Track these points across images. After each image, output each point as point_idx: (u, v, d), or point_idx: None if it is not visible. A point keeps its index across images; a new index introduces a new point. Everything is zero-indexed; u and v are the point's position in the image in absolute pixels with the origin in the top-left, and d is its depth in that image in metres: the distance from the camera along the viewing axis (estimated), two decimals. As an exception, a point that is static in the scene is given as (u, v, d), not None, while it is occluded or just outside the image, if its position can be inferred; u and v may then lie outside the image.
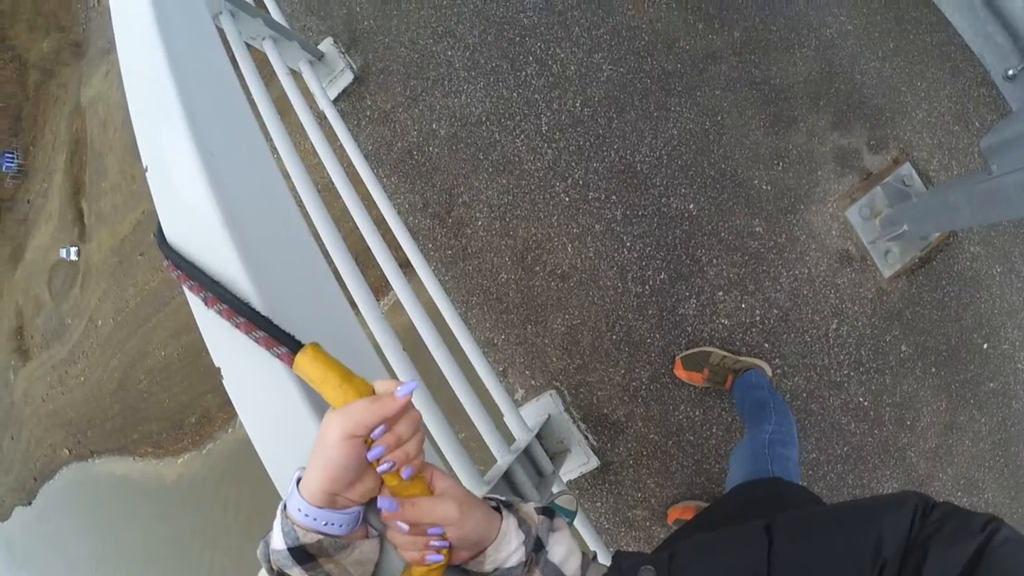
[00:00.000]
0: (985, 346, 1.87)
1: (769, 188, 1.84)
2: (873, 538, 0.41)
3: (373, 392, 0.47)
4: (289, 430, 0.56)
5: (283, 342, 0.52)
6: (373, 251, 1.46)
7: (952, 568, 0.37)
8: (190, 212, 0.61)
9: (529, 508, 0.57)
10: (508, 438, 1.52)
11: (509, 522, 0.53)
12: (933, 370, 1.85)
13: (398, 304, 1.44)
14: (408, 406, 0.47)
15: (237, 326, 0.54)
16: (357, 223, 1.47)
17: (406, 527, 0.49)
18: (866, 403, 1.85)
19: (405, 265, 1.65)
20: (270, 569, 0.48)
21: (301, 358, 0.49)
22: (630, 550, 0.65)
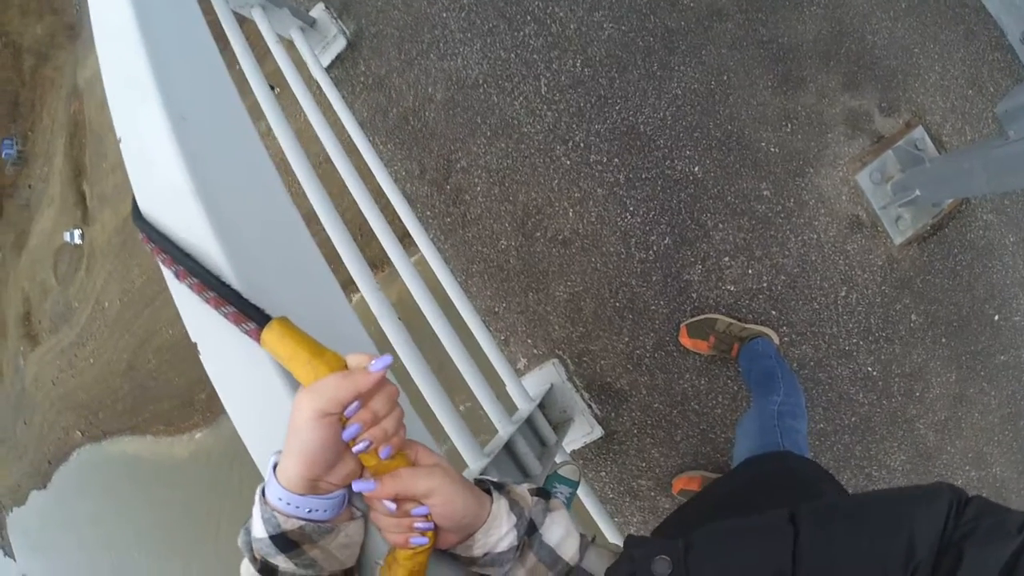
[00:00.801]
0: (996, 317, 1.85)
1: (777, 151, 1.78)
2: (905, 537, 0.39)
3: (345, 367, 0.44)
4: (268, 410, 0.53)
5: (251, 317, 0.48)
6: (371, 223, 1.43)
7: (990, 571, 0.35)
8: (161, 181, 0.58)
9: (522, 490, 0.54)
10: (510, 408, 1.51)
11: (500, 504, 0.51)
12: (943, 340, 1.83)
13: (397, 275, 1.41)
14: (383, 381, 0.44)
15: (207, 300, 0.51)
16: (354, 195, 1.44)
17: (392, 506, 0.46)
18: (875, 373, 1.82)
19: (404, 236, 1.62)
20: (253, 559, 0.45)
21: (267, 334, 0.46)
22: (639, 535, 0.62)
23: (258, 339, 0.47)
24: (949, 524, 0.39)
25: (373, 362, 0.43)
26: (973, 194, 1.78)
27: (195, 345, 0.55)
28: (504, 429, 1.35)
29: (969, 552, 0.36)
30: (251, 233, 0.60)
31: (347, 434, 0.43)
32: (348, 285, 1.03)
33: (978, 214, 1.82)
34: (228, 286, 0.51)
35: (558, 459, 1.61)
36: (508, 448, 1.30)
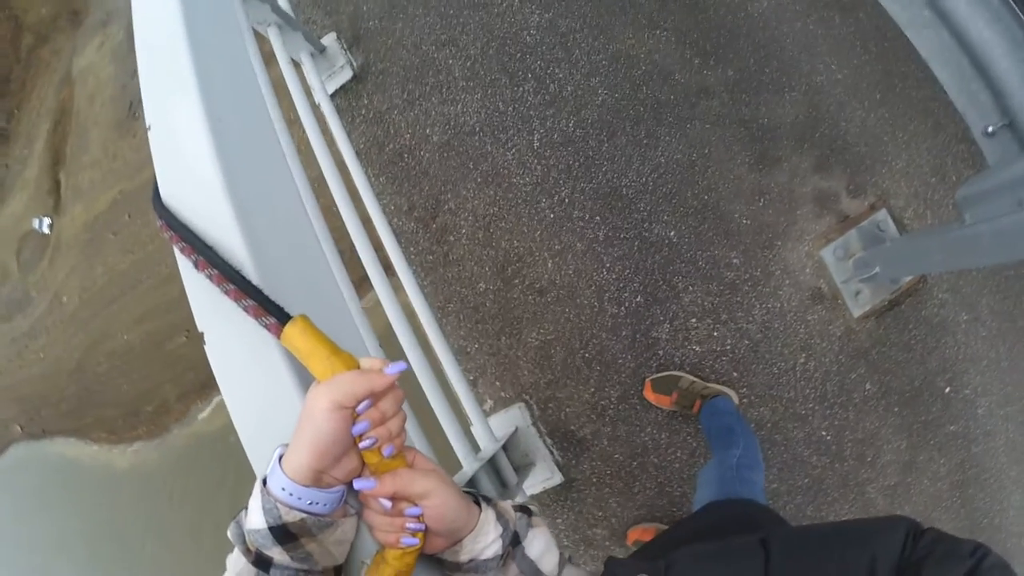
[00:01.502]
0: (947, 390, 1.92)
1: (749, 223, 1.88)
2: (867, 559, 0.42)
3: (359, 367, 0.47)
4: (270, 402, 0.55)
5: (272, 312, 0.52)
6: (357, 247, 1.45)
7: None
8: (191, 175, 0.61)
9: (506, 504, 0.57)
10: (475, 447, 1.52)
11: (488, 514, 0.53)
12: (896, 409, 1.89)
13: (377, 305, 1.44)
14: (393, 384, 0.47)
15: (227, 292, 0.54)
16: (343, 218, 1.47)
17: (388, 504, 0.48)
18: (828, 437, 1.88)
19: (386, 267, 1.65)
20: (246, 550, 0.46)
21: (290, 329, 0.49)
22: (619, 556, 0.65)
23: (277, 333, 0.50)
24: (907, 549, 0.42)
25: (389, 366, 0.47)
26: (929, 272, 1.88)
27: (201, 335, 0.58)
28: (469, 465, 1.36)
29: (926, 572, 0.40)
30: (271, 235, 0.63)
31: (356, 429, 0.45)
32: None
33: (934, 292, 1.91)
34: (251, 281, 0.54)
35: (517, 501, 1.61)
36: (471, 484, 1.31)
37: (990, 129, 1.43)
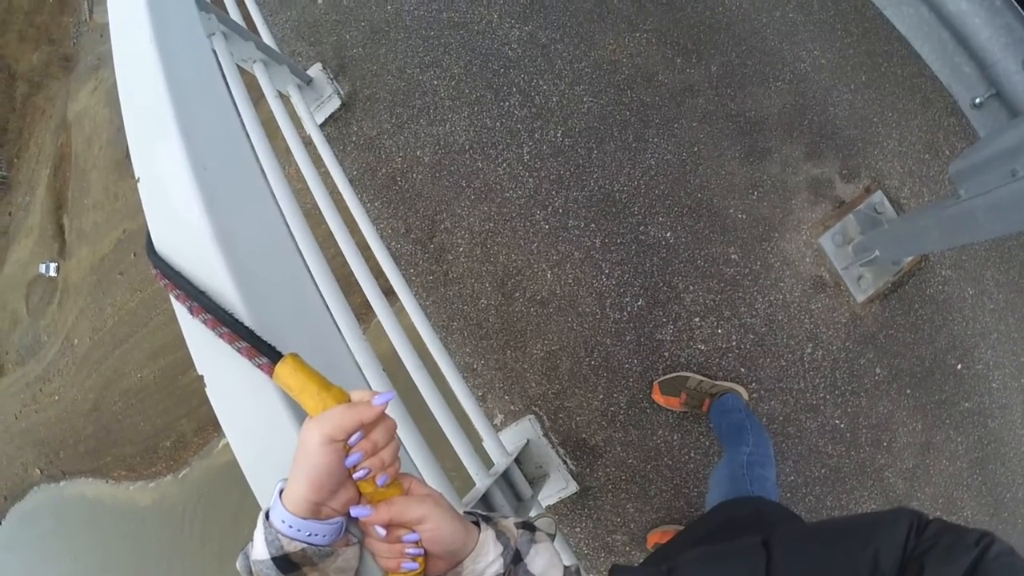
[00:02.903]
0: (959, 367, 1.91)
1: (744, 217, 1.88)
2: (870, 553, 0.42)
3: (350, 401, 0.48)
4: (270, 439, 0.57)
5: (264, 352, 0.53)
6: (356, 275, 1.47)
7: None
8: (180, 224, 0.63)
9: (508, 522, 0.57)
10: (487, 462, 1.52)
11: (487, 534, 0.54)
12: (908, 391, 1.88)
13: (380, 330, 1.45)
14: (383, 415, 0.49)
15: (221, 336, 0.55)
16: (341, 247, 1.49)
17: (383, 532, 0.49)
18: (842, 425, 1.87)
19: (387, 291, 1.66)
20: None
21: (281, 368, 0.50)
22: (623, 564, 0.65)
23: (270, 373, 0.52)
24: (910, 542, 0.42)
25: (376, 397, 0.48)
26: (929, 250, 1.87)
27: (201, 377, 0.59)
28: (481, 482, 1.37)
29: (930, 564, 0.39)
30: (261, 276, 0.65)
31: (350, 461, 0.47)
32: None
33: (937, 270, 1.90)
34: (242, 323, 0.56)
35: (533, 513, 1.61)
36: (485, 500, 1.32)
37: (978, 100, 1.43)
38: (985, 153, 1.31)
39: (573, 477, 1.90)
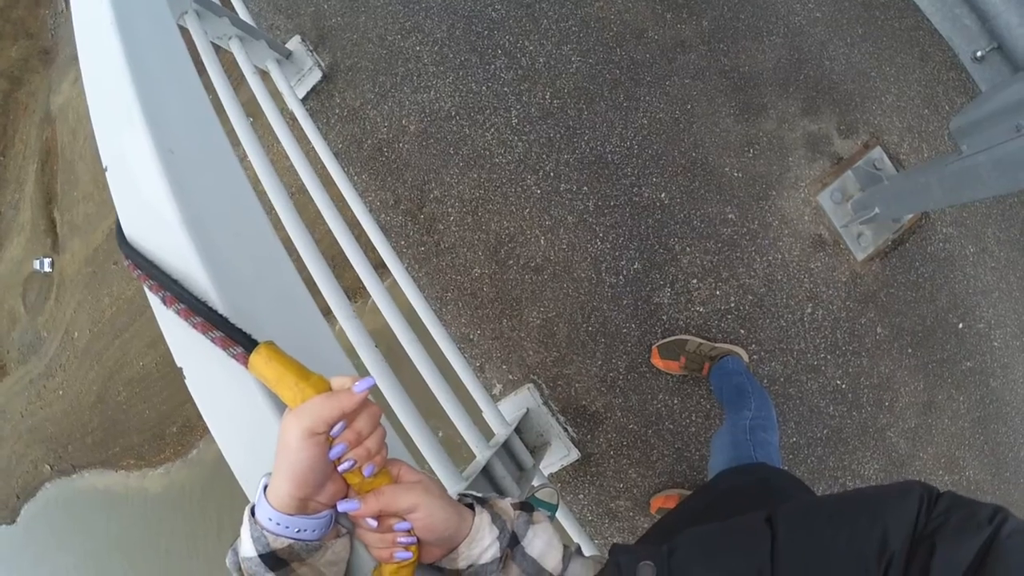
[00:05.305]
0: (960, 325, 1.90)
1: (740, 175, 1.84)
2: (879, 532, 0.40)
3: (330, 389, 0.46)
4: (253, 432, 0.55)
5: (239, 341, 0.50)
6: (346, 252, 1.44)
7: (961, 561, 0.36)
8: (149, 210, 0.61)
9: (504, 503, 0.56)
10: (487, 433, 1.51)
11: (482, 518, 0.52)
12: (909, 351, 1.87)
13: (374, 306, 1.43)
14: (366, 401, 0.46)
15: (195, 326, 0.53)
16: (329, 224, 1.46)
17: (374, 523, 0.48)
18: (844, 385, 1.86)
19: (379, 265, 1.63)
20: None
21: (255, 358, 0.48)
22: (624, 543, 0.63)
23: (245, 363, 0.49)
24: (921, 518, 0.40)
25: (356, 383, 0.45)
26: (930, 208, 1.84)
27: (180, 370, 0.57)
28: (481, 454, 1.36)
29: (941, 543, 0.37)
30: (236, 261, 0.62)
31: (333, 453, 0.45)
32: (327, 314, 1.04)
33: (938, 227, 1.88)
34: (215, 311, 0.53)
35: (536, 482, 1.61)
36: (486, 472, 1.31)
37: (979, 54, 1.39)
38: (988, 108, 1.28)
39: (574, 444, 1.89)
